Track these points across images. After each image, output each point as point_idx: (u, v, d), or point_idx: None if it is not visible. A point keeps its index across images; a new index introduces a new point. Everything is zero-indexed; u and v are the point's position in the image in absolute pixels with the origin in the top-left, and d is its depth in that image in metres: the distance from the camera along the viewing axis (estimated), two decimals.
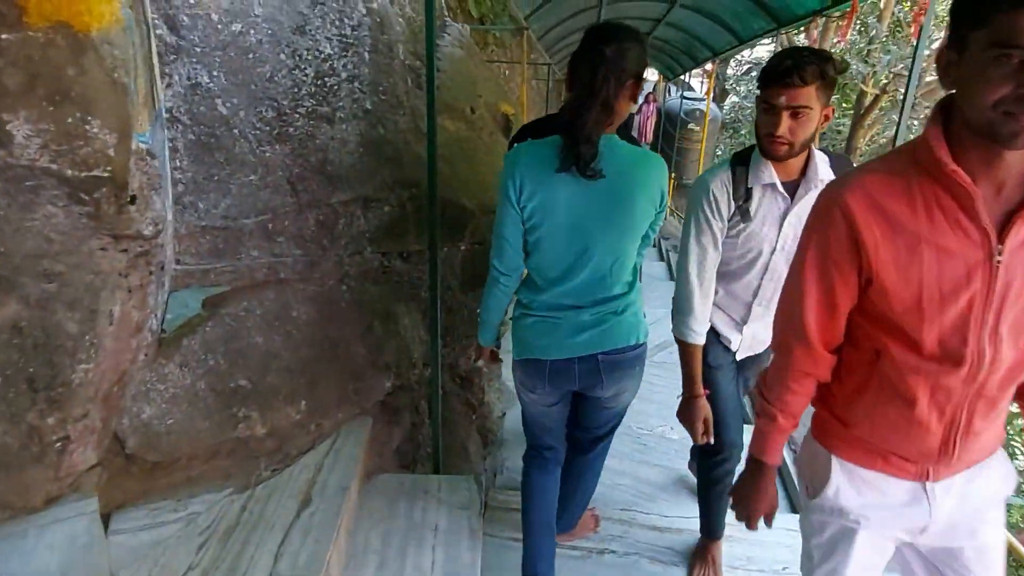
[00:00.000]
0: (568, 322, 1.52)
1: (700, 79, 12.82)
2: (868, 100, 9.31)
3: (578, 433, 1.81)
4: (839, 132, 11.33)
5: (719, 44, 6.32)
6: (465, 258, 2.35)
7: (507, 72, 8.83)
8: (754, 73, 15.48)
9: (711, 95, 9.48)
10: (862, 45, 8.92)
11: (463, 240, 2.30)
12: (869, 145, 9.82)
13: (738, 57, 18.44)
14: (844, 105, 10.90)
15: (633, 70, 1.36)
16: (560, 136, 1.38)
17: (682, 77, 10.58)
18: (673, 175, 8.05)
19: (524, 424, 1.80)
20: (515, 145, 1.64)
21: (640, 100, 11.83)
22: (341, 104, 1.92)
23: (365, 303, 2.04)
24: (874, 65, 7.20)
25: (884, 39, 8.05)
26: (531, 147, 1.45)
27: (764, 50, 16.63)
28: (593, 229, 1.43)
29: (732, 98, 15.96)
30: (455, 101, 2.33)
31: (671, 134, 10.42)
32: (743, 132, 12.92)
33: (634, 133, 10.55)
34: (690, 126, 10.90)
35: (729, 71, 16.70)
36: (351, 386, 1.98)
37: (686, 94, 11.71)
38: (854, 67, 7.34)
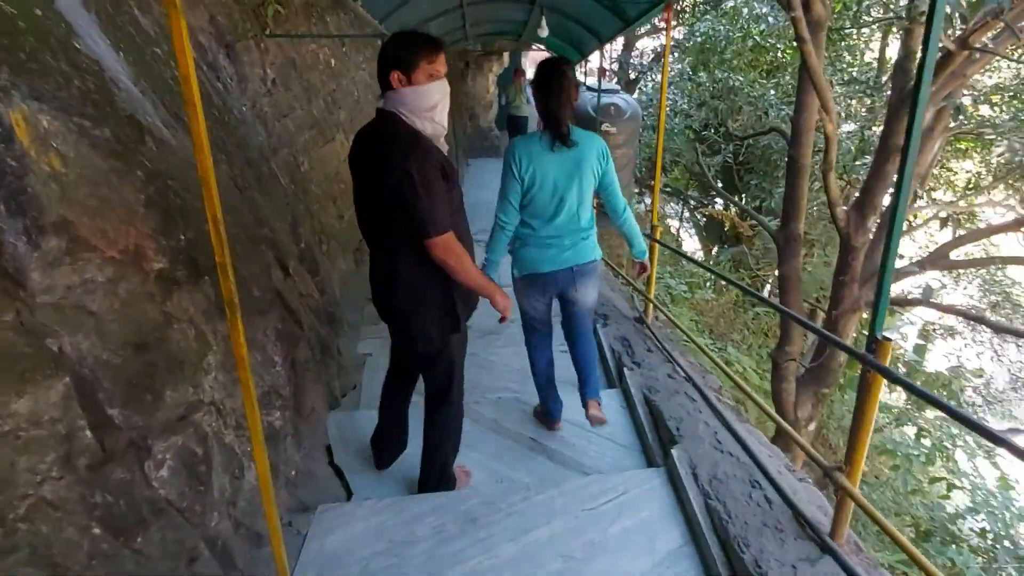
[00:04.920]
0: (554, 247, 2.59)
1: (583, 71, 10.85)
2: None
3: (569, 329, 2.90)
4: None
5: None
6: None
7: (332, 61, 6.23)
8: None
9: (604, 82, 7.48)
10: None
11: None
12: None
13: (639, 46, 17.03)
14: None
15: (576, 82, 2.52)
16: (547, 129, 2.48)
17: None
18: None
19: (523, 320, 2.89)
20: (513, 139, 2.65)
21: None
22: None
23: None
24: None
25: None
26: (525, 139, 2.53)
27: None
28: (564, 184, 2.49)
29: (637, 94, 14.27)
30: None
31: None
32: (669, 129, 10.96)
33: None
34: (604, 127, 8.76)
35: (633, 59, 15.08)
36: None
37: (591, 85, 9.58)
38: None
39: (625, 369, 3.32)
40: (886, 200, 5.66)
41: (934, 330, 13.17)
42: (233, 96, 3.85)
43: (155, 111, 2.19)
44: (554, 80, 2.43)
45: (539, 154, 2.46)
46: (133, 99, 2.05)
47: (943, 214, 8.83)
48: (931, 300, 6.28)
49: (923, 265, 5.97)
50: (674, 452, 2.43)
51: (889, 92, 10.29)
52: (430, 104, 2.04)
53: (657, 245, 4.02)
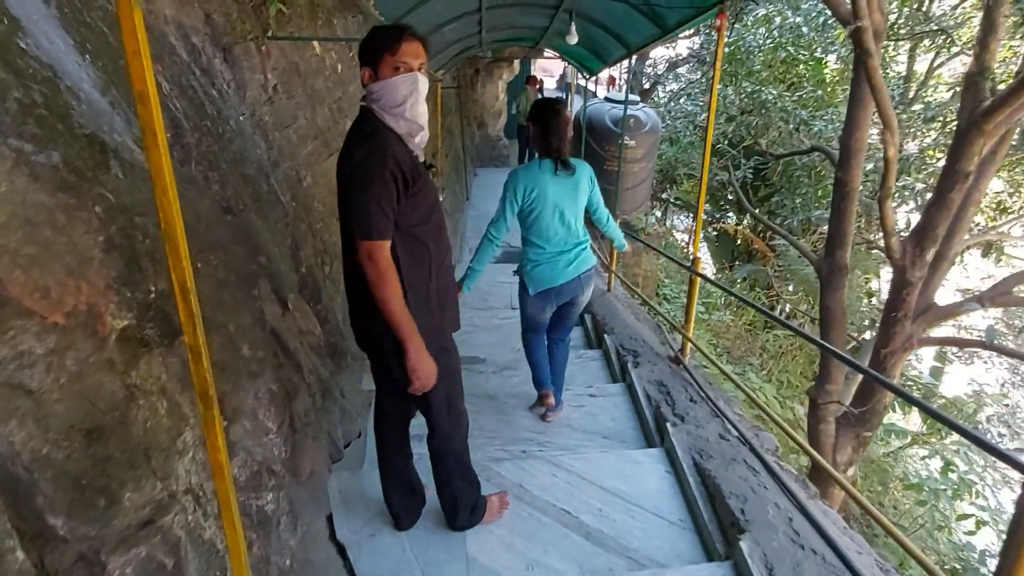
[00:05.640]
0: (563, 260, 2.98)
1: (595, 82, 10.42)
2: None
3: (556, 334, 3.35)
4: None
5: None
6: None
7: (339, 67, 5.86)
8: (680, 68, 13.51)
9: (626, 94, 7.14)
10: None
11: None
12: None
13: (653, 55, 16.70)
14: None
15: (569, 119, 2.90)
16: (548, 158, 2.87)
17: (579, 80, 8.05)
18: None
19: (527, 324, 3.25)
20: (514, 169, 3.00)
21: None
22: None
23: None
24: None
25: None
26: (525, 167, 2.92)
27: (683, 45, 14.89)
28: (564, 204, 2.90)
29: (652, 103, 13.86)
30: None
31: (599, 154, 7.85)
32: (685, 141, 10.58)
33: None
34: (623, 140, 8.36)
35: (647, 68, 14.73)
36: None
37: (610, 96, 9.21)
38: None
39: (668, 424, 2.93)
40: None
41: (952, 352, 12.77)
42: (230, 105, 3.47)
43: (127, 128, 1.81)
44: (551, 119, 2.85)
45: (542, 181, 2.87)
46: (97, 113, 1.67)
47: (969, 242, 8.37)
48: (994, 343, 5.83)
49: (983, 301, 5.52)
50: (743, 545, 2.04)
51: (916, 107, 9.96)
52: (398, 99, 1.87)
53: (698, 279, 3.65)
